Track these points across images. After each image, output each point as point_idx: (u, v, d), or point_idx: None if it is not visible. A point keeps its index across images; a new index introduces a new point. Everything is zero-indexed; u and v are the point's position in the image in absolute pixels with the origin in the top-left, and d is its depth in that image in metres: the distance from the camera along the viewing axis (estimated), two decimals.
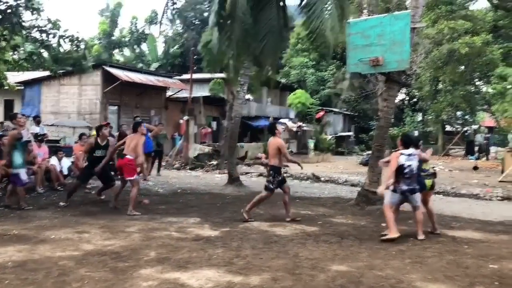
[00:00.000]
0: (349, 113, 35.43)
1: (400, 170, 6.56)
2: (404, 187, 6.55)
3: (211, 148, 19.79)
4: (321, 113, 29.69)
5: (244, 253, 5.64)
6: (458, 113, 30.72)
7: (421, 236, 6.58)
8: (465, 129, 33.18)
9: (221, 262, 5.22)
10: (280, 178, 7.78)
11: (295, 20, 31.58)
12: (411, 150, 6.65)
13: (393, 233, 6.43)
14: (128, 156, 8.28)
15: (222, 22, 13.13)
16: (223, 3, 12.43)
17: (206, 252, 5.60)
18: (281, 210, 8.59)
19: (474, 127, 34.09)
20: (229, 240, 6.26)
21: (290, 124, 26.42)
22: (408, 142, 6.79)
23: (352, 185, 13.78)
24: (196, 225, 7.27)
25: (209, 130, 24.68)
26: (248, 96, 23.40)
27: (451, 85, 22.59)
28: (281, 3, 13.34)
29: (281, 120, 29.43)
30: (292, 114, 32.03)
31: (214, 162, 17.63)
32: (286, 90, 33.45)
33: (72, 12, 67.61)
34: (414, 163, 6.59)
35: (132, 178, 8.34)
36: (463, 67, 20.66)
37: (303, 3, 12.53)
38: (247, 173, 16.12)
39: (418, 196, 6.69)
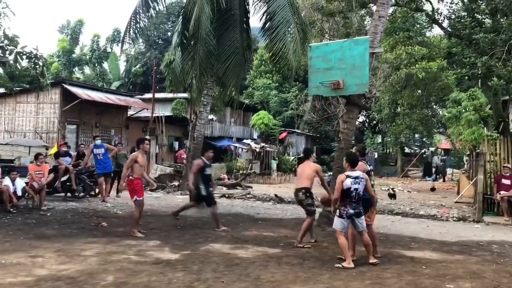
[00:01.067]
0: (311, 134, 35.95)
1: (346, 194, 6.39)
2: (351, 211, 6.33)
3: (172, 168, 19.54)
4: (284, 134, 29.95)
5: (204, 276, 5.53)
6: (416, 135, 31.73)
7: (372, 260, 6.45)
8: (422, 151, 34.28)
9: (181, 286, 5.11)
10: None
11: (258, 42, 32.15)
12: (357, 173, 6.44)
13: (348, 263, 6.21)
14: (130, 177, 8.14)
15: (186, 42, 13.20)
16: (187, 24, 12.49)
17: (166, 276, 5.46)
18: (243, 232, 8.54)
19: (431, 149, 35.30)
20: (190, 263, 6.14)
21: (253, 144, 26.50)
22: (355, 161, 6.59)
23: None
24: (156, 248, 7.10)
25: (183, 151, 24.25)
26: (211, 116, 23.36)
27: (409, 108, 23.32)
28: (245, 26, 13.57)
29: (244, 141, 29.52)
30: (255, 135, 32.18)
31: (176, 183, 17.38)
32: (249, 111, 33.65)
33: (30, 28, 66.08)
34: (360, 186, 6.36)
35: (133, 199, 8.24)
36: (420, 91, 21.41)
37: (266, 26, 12.78)
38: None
39: (363, 220, 6.47)
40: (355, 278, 5.70)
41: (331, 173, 21.43)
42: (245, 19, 13.60)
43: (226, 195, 15.35)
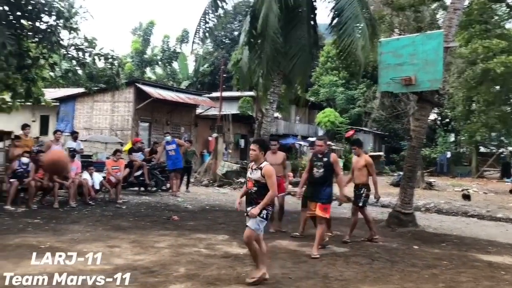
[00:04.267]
0: (379, 132, 35.00)
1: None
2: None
3: (239, 165, 19.85)
4: (351, 132, 29.42)
5: (272, 272, 5.57)
6: (493, 134, 29.92)
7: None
8: (500, 150, 32.27)
9: None
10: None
11: (325, 39, 31.80)
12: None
13: (259, 272, 5.10)
14: None
15: (253, 41, 13.31)
16: (254, 23, 12.59)
17: (235, 270, 5.57)
18: (309, 229, 8.50)
19: (510, 148, 33.12)
20: None
21: None
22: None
23: (383, 206, 13.52)
24: (225, 242, 7.26)
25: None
26: (276, 114, 23.45)
27: (485, 105, 22.07)
28: (312, 22, 13.46)
29: (309, 139, 29.34)
30: (320, 133, 31.89)
31: (242, 180, 17.64)
32: (315, 109, 33.41)
33: (106, 31, 69.86)
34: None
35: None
36: (498, 87, 20.19)
37: (334, 22, 12.60)
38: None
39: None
40: (427, 280, 5.51)
41: (400, 172, 20.82)
42: (312, 16, 13.48)
43: (292, 193, 15.33)
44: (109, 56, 13.41)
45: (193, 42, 13.99)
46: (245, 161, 22.00)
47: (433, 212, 12.83)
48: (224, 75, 27.43)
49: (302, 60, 12.58)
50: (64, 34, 12.45)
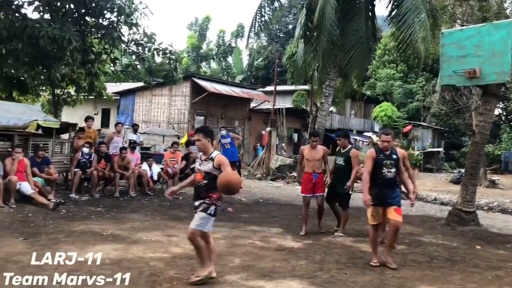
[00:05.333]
0: (439, 127, 33.67)
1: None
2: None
3: (292, 159, 19.78)
4: (409, 127, 28.48)
5: (327, 266, 5.54)
6: None
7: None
8: None
9: (305, 274, 5.17)
10: None
11: (382, 31, 30.94)
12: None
13: (204, 271, 4.66)
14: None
15: (309, 34, 13.23)
16: (310, 15, 12.51)
17: (289, 263, 5.58)
18: (365, 225, 8.33)
19: None
20: (312, 253, 6.19)
21: (374, 137, 25.67)
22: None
23: (442, 203, 13.04)
24: (279, 235, 7.28)
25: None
26: (331, 108, 23.15)
27: None
28: (370, 14, 13.16)
29: (365, 134, 28.76)
30: (376, 127, 31.16)
31: (295, 174, 17.59)
32: (371, 103, 32.66)
33: (163, 26, 71.69)
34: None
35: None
36: None
37: (393, 13, 12.26)
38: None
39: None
40: (491, 282, 5.27)
41: (460, 169, 19.96)
42: (370, 7, 13.19)
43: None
44: (167, 51, 13.78)
45: (249, 36, 14.10)
46: (298, 155, 21.88)
47: (497, 211, 12.20)
48: (278, 69, 27.40)
49: (359, 53, 12.37)
50: (124, 30, 12.93)
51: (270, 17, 13.68)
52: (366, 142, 26.70)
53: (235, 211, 9.50)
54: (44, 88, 15.38)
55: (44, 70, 13.10)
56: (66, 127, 11.05)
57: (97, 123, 23.26)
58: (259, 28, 13.64)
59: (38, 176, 9.03)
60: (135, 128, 12.91)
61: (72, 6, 11.91)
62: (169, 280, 4.62)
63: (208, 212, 4.63)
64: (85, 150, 10.29)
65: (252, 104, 26.46)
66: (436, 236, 8.02)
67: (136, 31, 12.96)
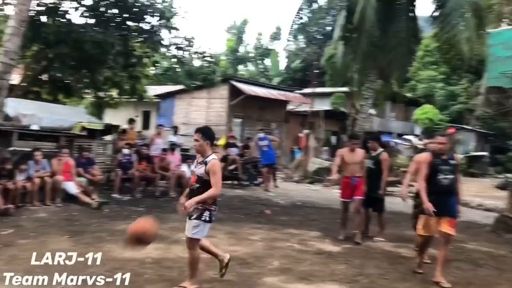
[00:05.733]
0: (483, 131, 32.50)
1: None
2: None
3: (330, 163, 19.57)
4: (451, 130, 27.62)
5: (367, 271, 5.45)
6: None
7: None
8: None
9: (344, 279, 5.11)
10: None
11: (423, 32, 30.21)
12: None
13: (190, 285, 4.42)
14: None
15: (348, 36, 13.10)
16: (350, 17, 12.38)
17: (328, 267, 5.53)
18: (406, 231, 8.14)
19: None
20: (351, 257, 6.10)
21: (415, 141, 25.07)
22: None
23: (487, 209, 12.56)
24: (317, 239, 7.21)
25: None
26: (371, 111, 22.80)
27: None
28: (411, 14, 12.89)
29: (405, 137, 28.11)
30: (417, 131, 30.42)
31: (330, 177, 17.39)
32: (411, 105, 31.93)
33: (202, 30, 72.72)
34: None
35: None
36: None
37: (436, 13, 11.96)
38: None
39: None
40: None
41: (507, 174, 19.17)
42: (411, 7, 12.92)
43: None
44: (206, 55, 13.99)
45: (287, 39, 14.10)
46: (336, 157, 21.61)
47: None
48: (316, 71, 27.22)
49: (400, 54, 12.14)
50: (165, 34, 13.21)
51: (309, 19, 13.63)
52: (407, 145, 26.07)
53: (273, 213, 9.49)
54: (88, 90, 15.92)
55: (88, 74, 13.56)
56: (109, 128, 11.37)
57: (137, 125, 23.82)
58: (297, 30, 13.61)
59: (82, 176, 9.33)
60: (175, 130, 13.13)
61: (115, 11, 12.28)
62: (209, 281, 4.67)
63: (202, 218, 4.32)
64: (125, 151, 10.54)
65: (290, 107, 26.37)
66: (481, 243, 7.73)
67: (176, 34, 13.24)
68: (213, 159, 4.32)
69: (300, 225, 8.35)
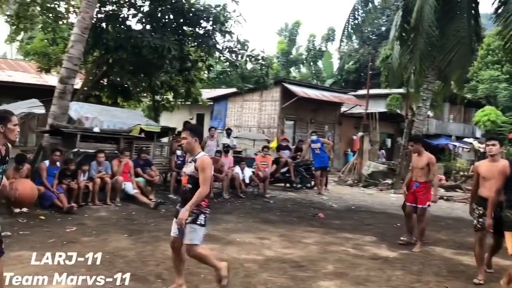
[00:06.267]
0: None
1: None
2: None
3: (386, 166, 19.10)
4: None
5: (426, 278, 5.26)
6: None
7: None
8: None
9: (401, 285, 4.97)
10: None
11: (485, 30, 28.88)
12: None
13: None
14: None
15: (405, 35, 12.75)
16: (407, 16, 12.05)
17: (384, 273, 5.38)
18: (466, 237, 7.79)
19: None
20: (409, 263, 5.91)
21: (476, 144, 23.99)
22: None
23: None
24: (373, 243, 7.05)
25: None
26: (428, 113, 22.05)
27: None
28: (473, 12, 12.36)
29: (465, 140, 26.97)
30: (478, 133, 29.09)
31: (389, 181, 16.95)
32: (471, 107, 30.59)
33: (253, 33, 73.33)
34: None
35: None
36: None
37: (499, 10, 11.39)
38: None
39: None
40: None
41: None
42: (473, 5, 12.37)
43: (445, 197, 14.29)
44: (260, 57, 14.06)
45: (341, 40, 13.91)
46: (392, 161, 21.11)
47: None
48: (371, 72, 26.69)
49: (460, 54, 11.66)
50: (218, 38, 13.41)
51: (363, 19, 13.39)
52: (467, 148, 25.00)
53: (326, 217, 9.38)
54: (145, 94, 16.46)
55: (146, 78, 14.03)
56: (166, 131, 11.68)
57: None
58: (351, 31, 13.42)
59: (141, 176, 9.64)
60: (228, 132, 13.29)
61: (171, 16, 12.63)
62: (263, 283, 4.68)
63: (198, 222, 4.08)
64: (179, 152, 10.80)
65: (343, 109, 26.02)
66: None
67: (230, 38, 13.40)
68: (203, 155, 4.20)
69: (355, 229, 8.19)
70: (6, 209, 7.26)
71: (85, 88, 13.75)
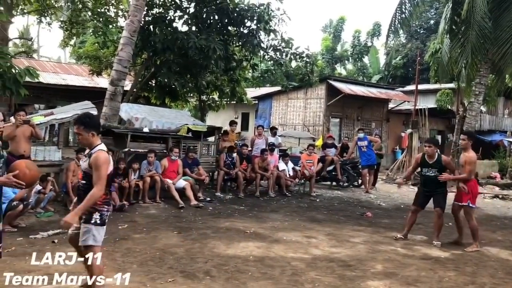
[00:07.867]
0: None
1: None
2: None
3: None
4: None
5: (481, 280, 5.08)
6: None
7: None
8: None
9: (454, 286, 4.83)
10: None
11: None
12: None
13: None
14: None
15: (455, 28, 12.29)
16: (457, 9, 11.61)
17: (436, 273, 5.24)
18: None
19: None
20: (462, 264, 5.72)
21: None
22: None
23: None
24: (423, 243, 6.86)
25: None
26: (481, 108, 21.15)
27: None
28: None
29: None
30: None
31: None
32: None
33: (297, 30, 72.82)
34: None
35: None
36: None
37: None
38: (480, 193, 14.47)
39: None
40: None
41: None
42: None
43: (500, 196, 13.69)
44: (304, 55, 13.96)
45: (388, 35, 13.58)
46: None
47: None
48: (419, 67, 25.90)
49: None
50: (263, 37, 13.43)
51: (411, 12, 13.01)
52: None
53: (374, 216, 9.22)
54: (191, 94, 16.76)
55: (192, 78, 14.28)
56: (212, 130, 11.85)
57: (237, 126, 24.61)
58: (398, 25, 13.08)
59: (189, 175, 9.83)
60: (274, 131, 13.30)
61: (216, 17, 12.77)
62: (310, 281, 4.66)
63: (92, 221, 3.60)
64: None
65: (391, 105, 25.41)
66: None
67: (274, 37, 13.39)
68: (99, 150, 3.63)
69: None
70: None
71: (135, 90, 14.18)
